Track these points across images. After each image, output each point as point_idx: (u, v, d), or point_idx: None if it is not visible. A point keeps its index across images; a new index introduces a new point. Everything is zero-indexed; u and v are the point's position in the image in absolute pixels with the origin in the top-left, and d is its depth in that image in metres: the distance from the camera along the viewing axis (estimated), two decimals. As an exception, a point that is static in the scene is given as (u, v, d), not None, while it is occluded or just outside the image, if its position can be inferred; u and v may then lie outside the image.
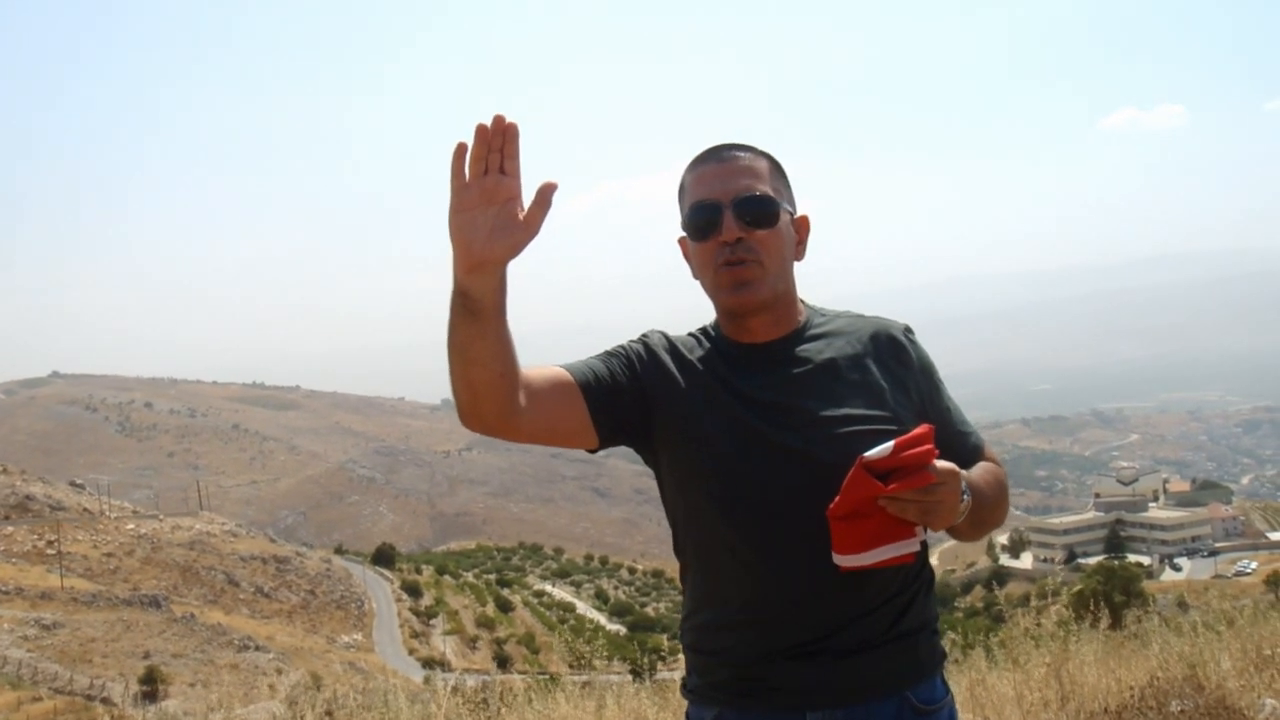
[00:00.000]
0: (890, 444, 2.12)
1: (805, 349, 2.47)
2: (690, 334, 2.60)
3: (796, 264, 2.53)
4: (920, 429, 2.16)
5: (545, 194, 2.06)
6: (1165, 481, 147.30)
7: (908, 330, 2.57)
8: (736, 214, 2.38)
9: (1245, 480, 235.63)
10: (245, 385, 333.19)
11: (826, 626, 2.32)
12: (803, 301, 2.57)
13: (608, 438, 2.45)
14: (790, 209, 2.50)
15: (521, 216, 2.05)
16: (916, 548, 2.24)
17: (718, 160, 2.46)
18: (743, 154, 2.47)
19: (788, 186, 2.54)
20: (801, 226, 2.53)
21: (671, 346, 2.53)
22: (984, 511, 2.39)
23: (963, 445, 2.51)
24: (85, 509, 77.08)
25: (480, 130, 1.99)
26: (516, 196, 2.05)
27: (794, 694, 2.36)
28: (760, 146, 2.52)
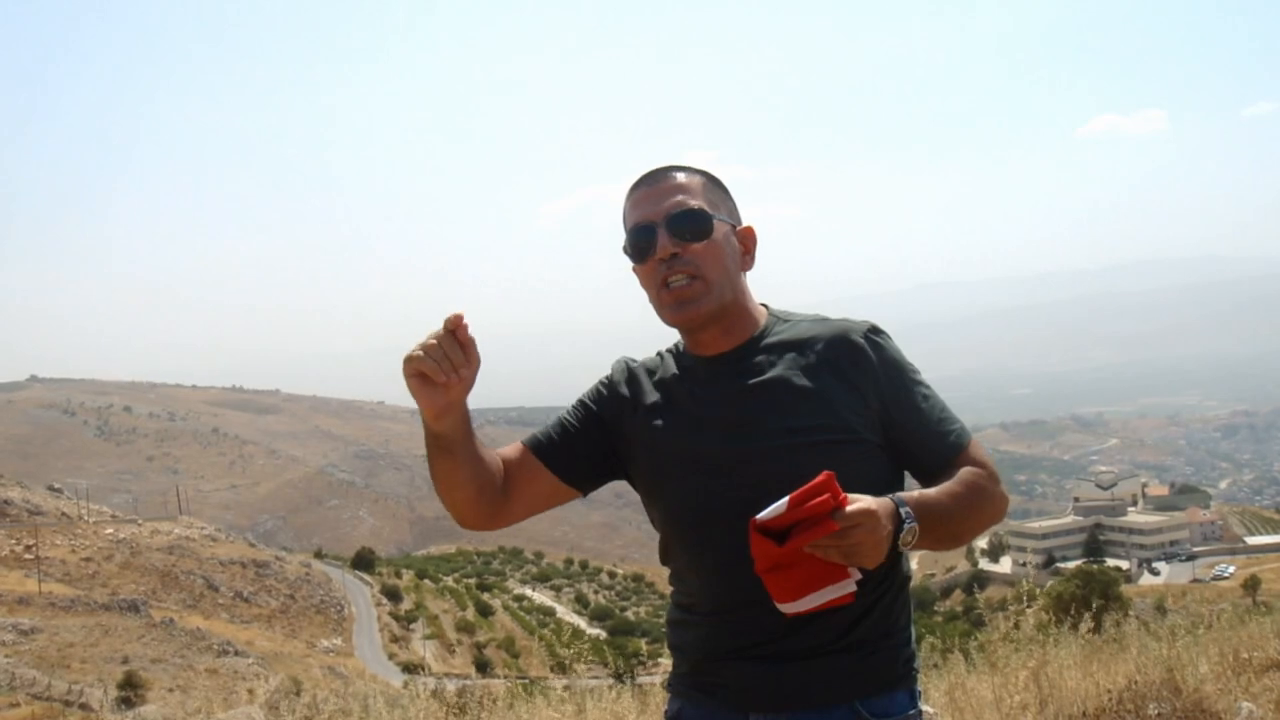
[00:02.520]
0: (784, 501, 2.10)
1: (757, 359, 2.49)
2: (658, 352, 2.73)
3: (749, 274, 2.58)
4: (820, 478, 2.11)
5: (464, 333, 2.26)
6: (1144, 486, 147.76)
7: (872, 331, 2.52)
8: (670, 230, 2.45)
9: (1223, 485, 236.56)
10: (225, 389, 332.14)
11: (774, 630, 2.34)
12: (766, 307, 2.62)
13: (588, 485, 2.68)
14: (730, 220, 2.55)
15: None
16: (853, 588, 2.20)
17: (650, 184, 2.53)
18: (676, 174, 2.54)
19: (727, 200, 2.58)
20: (746, 237, 2.58)
21: (630, 374, 2.67)
22: (948, 526, 2.36)
23: (938, 445, 2.47)
24: (63, 513, 76.72)
25: (442, 339, 2.25)
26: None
27: (738, 693, 2.43)
28: (695, 165, 2.57)
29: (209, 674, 42.37)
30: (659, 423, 2.55)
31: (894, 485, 2.43)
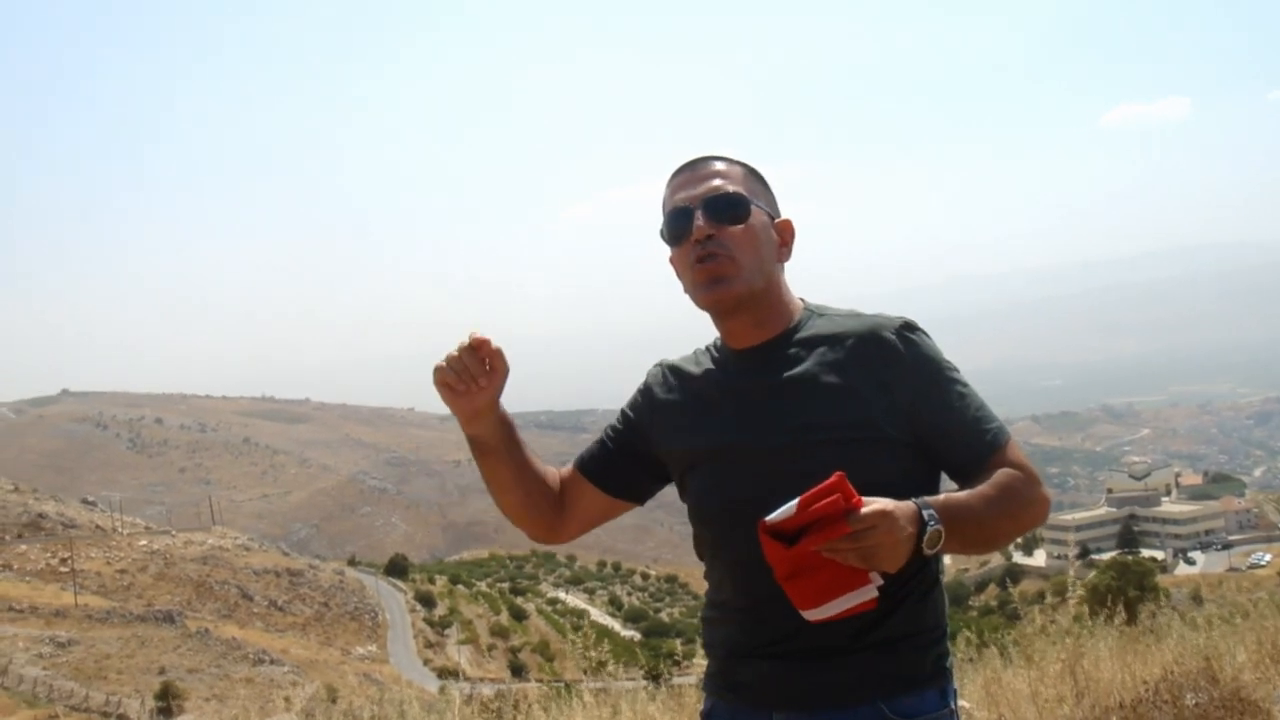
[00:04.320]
0: (793, 503, 2.05)
1: (788, 353, 2.47)
2: (695, 350, 2.70)
3: (786, 266, 2.57)
4: (831, 479, 2.05)
5: (488, 347, 2.42)
6: (1177, 475, 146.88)
7: (905, 327, 2.45)
8: (706, 212, 2.45)
9: (1258, 472, 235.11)
10: (255, 399, 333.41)
11: (795, 628, 2.29)
12: (803, 301, 2.58)
13: (639, 495, 2.76)
14: (768, 210, 2.54)
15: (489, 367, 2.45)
16: (874, 594, 2.15)
17: (689, 170, 2.54)
18: (716, 163, 2.54)
19: (767, 192, 2.58)
20: (784, 229, 2.56)
21: (664, 377, 2.68)
22: (979, 530, 2.29)
23: (972, 445, 2.39)
24: (98, 526, 77.25)
25: (463, 352, 2.42)
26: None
27: (760, 692, 2.43)
28: (736, 156, 2.58)
29: (245, 683, 42.58)
30: (686, 416, 2.57)
31: (926, 486, 2.36)
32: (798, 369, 2.43)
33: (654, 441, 2.65)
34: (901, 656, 2.36)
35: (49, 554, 64.28)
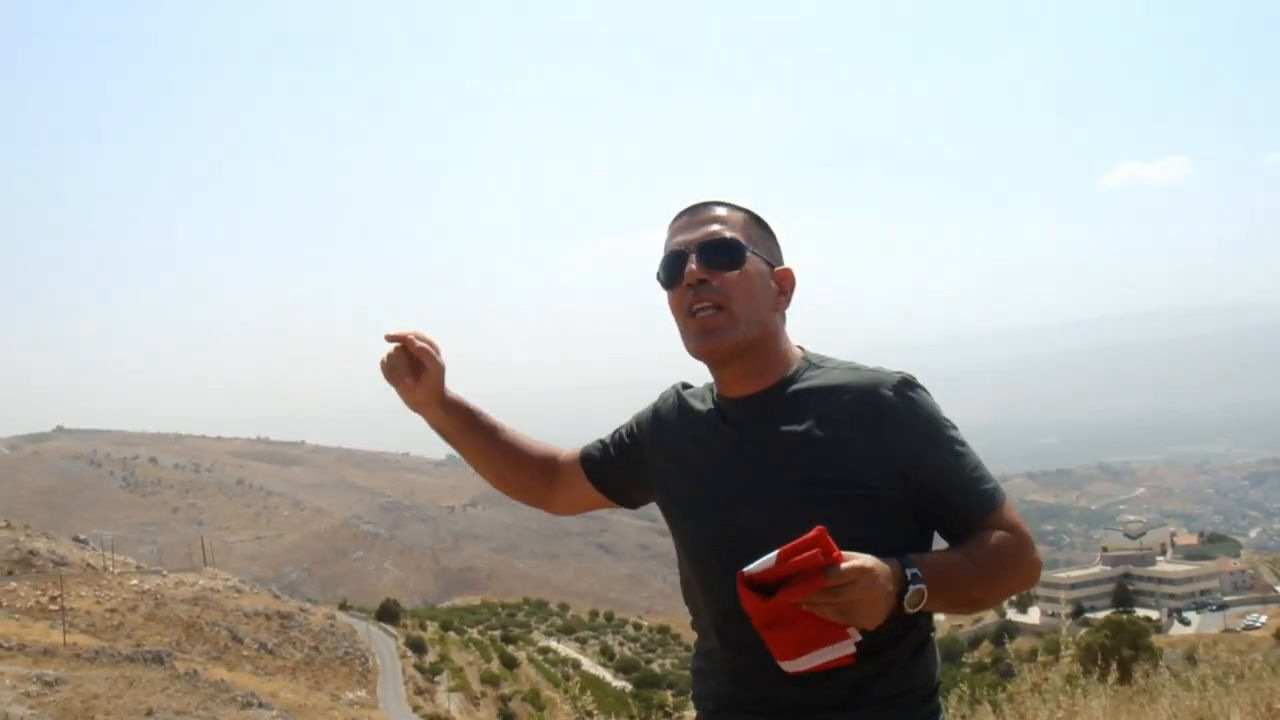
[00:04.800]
0: (773, 555, 2.06)
1: (781, 406, 2.44)
2: (706, 384, 2.67)
3: (780, 316, 2.54)
4: (812, 532, 2.06)
5: (411, 344, 2.69)
6: (1173, 535, 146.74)
7: (904, 383, 2.41)
8: (701, 257, 2.44)
9: (1253, 533, 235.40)
10: (250, 440, 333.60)
11: (782, 684, 2.27)
12: (802, 350, 2.56)
13: (627, 501, 2.85)
14: (766, 258, 2.52)
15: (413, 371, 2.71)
16: (851, 649, 2.15)
17: (690, 215, 2.55)
18: (717, 208, 2.54)
19: (769, 239, 2.57)
20: (784, 279, 2.54)
21: (676, 403, 2.68)
22: (965, 591, 2.29)
23: (966, 506, 2.37)
24: (89, 564, 76.88)
25: (392, 351, 2.70)
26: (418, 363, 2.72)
27: None
28: (740, 203, 2.58)
29: (233, 726, 42.25)
30: (676, 460, 2.58)
31: (916, 545, 2.35)
32: (790, 423, 2.40)
33: (648, 468, 2.68)
34: (890, 714, 2.32)
35: (39, 591, 63.94)
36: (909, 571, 2.17)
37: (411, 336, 2.68)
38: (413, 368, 2.70)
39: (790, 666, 2.16)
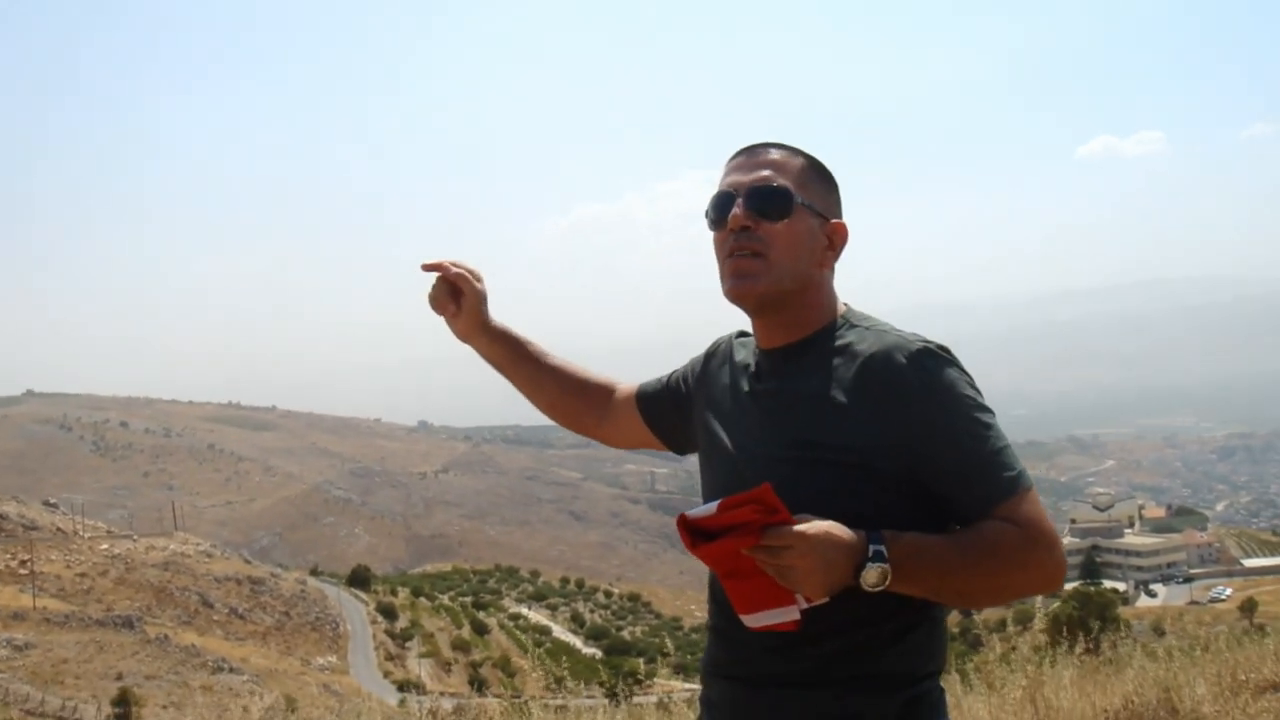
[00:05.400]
0: (714, 504, 2.01)
1: (803, 363, 2.33)
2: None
3: (827, 271, 2.41)
4: (757, 489, 1.98)
5: (450, 271, 2.75)
6: (1141, 508, 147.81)
7: (924, 352, 2.22)
8: (747, 203, 2.33)
9: (1220, 506, 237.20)
10: (221, 405, 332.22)
11: (757, 650, 2.22)
12: (846, 306, 2.44)
13: (674, 444, 2.78)
14: (819, 209, 2.38)
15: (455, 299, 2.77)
16: (795, 616, 2.06)
17: (747, 155, 2.43)
18: (775, 151, 2.41)
19: (826, 189, 2.43)
20: (836, 232, 2.40)
21: (727, 350, 2.60)
22: (947, 580, 2.10)
23: (976, 490, 2.16)
24: (59, 529, 76.65)
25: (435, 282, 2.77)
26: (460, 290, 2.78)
27: (722, 715, 2.36)
28: (803, 148, 2.44)
29: (203, 691, 42.19)
30: (711, 406, 2.53)
31: (920, 526, 2.14)
32: (806, 381, 2.30)
33: (694, 410, 2.63)
34: (861, 698, 2.18)
35: (8, 555, 63.71)
36: (873, 548, 2.03)
37: (448, 264, 2.73)
38: (454, 296, 2.75)
39: (746, 621, 2.11)
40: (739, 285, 2.34)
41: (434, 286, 2.73)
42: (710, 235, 2.46)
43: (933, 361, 2.22)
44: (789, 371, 2.35)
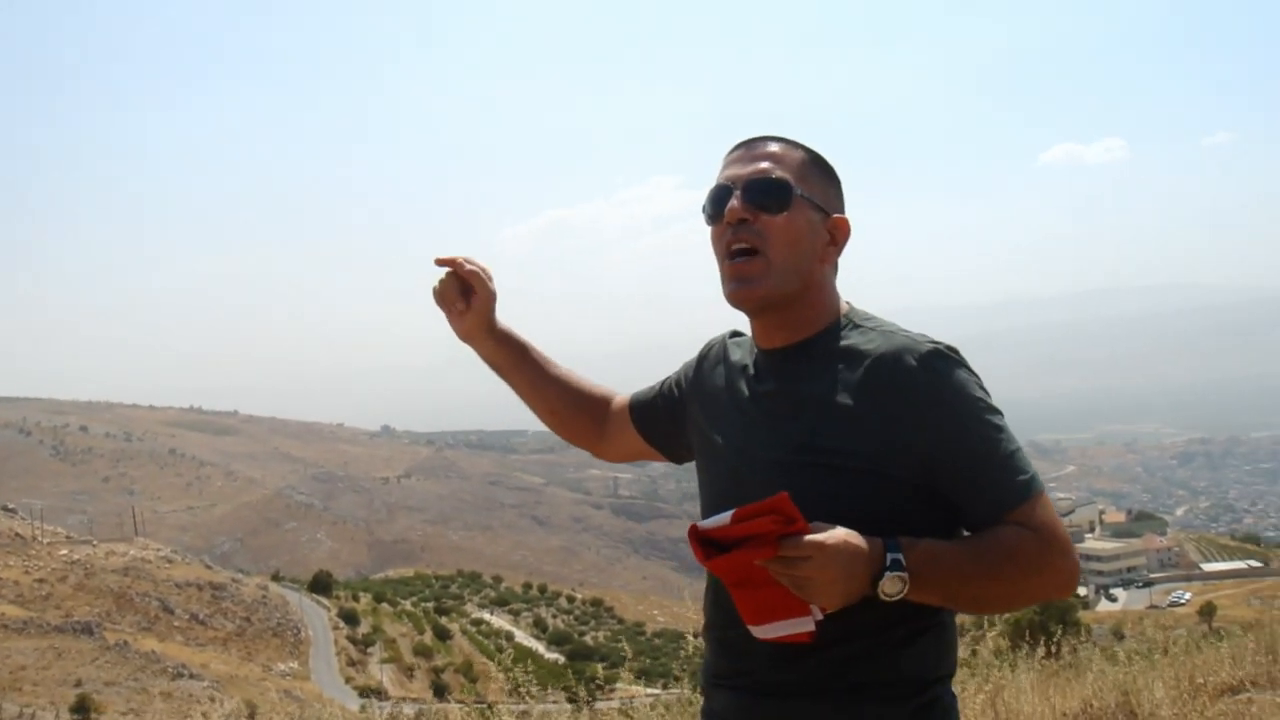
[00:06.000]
0: (727, 514, 1.92)
1: (807, 365, 2.26)
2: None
3: (829, 267, 2.34)
4: (774, 498, 1.90)
5: (463, 268, 2.66)
6: (1101, 513, 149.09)
7: (934, 354, 2.17)
8: (745, 195, 2.26)
9: (1180, 512, 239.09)
10: (183, 409, 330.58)
11: (762, 658, 2.15)
12: (848, 305, 2.37)
13: (670, 453, 2.70)
14: (819, 203, 2.30)
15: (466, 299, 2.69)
16: (810, 627, 1.98)
17: (745, 148, 2.36)
18: (775, 144, 2.34)
19: (827, 183, 2.35)
20: (837, 228, 2.33)
21: (721, 351, 2.52)
22: (962, 587, 2.05)
23: (989, 495, 2.11)
24: (17, 534, 75.99)
25: (445, 277, 2.68)
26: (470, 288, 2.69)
27: None
28: (803, 142, 2.37)
29: (163, 697, 41.99)
30: (707, 408, 2.45)
31: (929, 533, 2.09)
32: (811, 383, 2.23)
33: (688, 414, 2.55)
34: (871, 706, 2.12)
35: (-34, 561, 63.22)
36: (890, 556, 1.98)
37: (462, 260, 2.65)
38: (464, 293, 2.68)
39: (757, 632, 2.03)
40: (740, 289, 2.26)
41: (442, 281, 2.67)
42: (708, 231, 2.38)
43: (943, 363, 2.17)
44: (792, 373, 2.28)
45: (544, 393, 2.77)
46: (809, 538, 1.91)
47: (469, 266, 2.64)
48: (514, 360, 2.75)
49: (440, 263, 2.65)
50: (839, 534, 1.94)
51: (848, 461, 2.12)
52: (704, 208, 2.37)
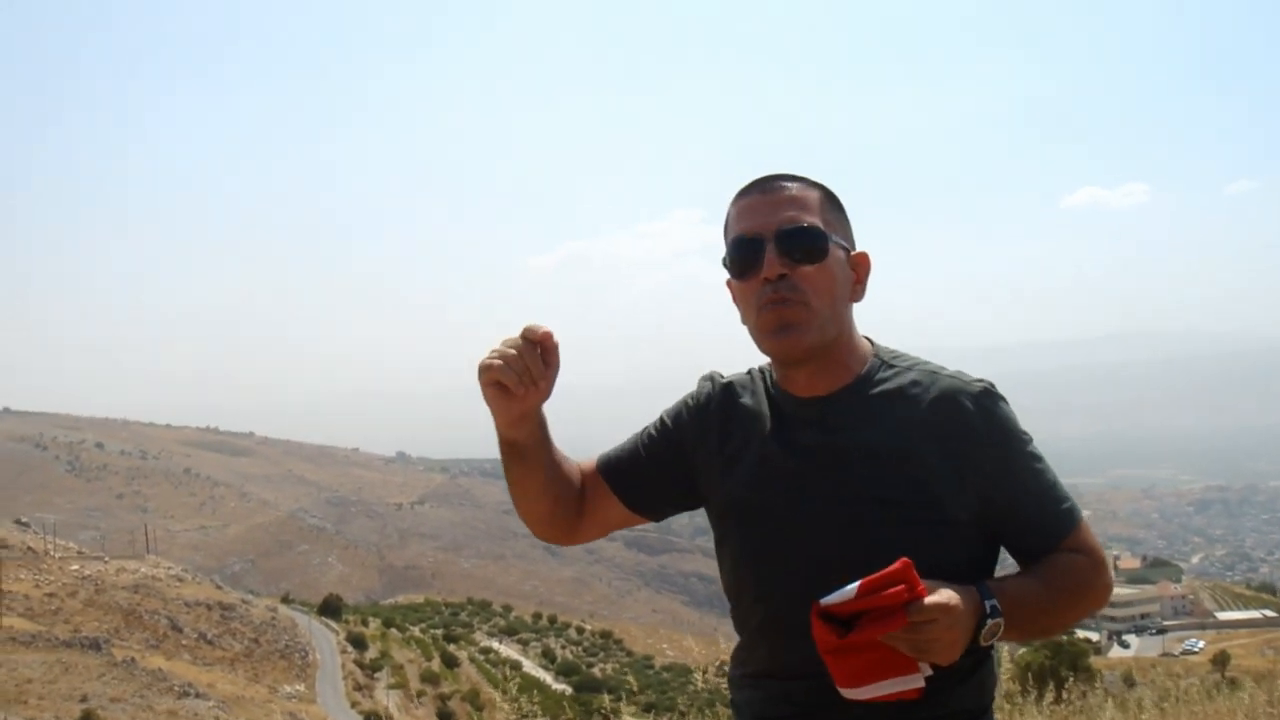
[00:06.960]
0: (853, 586, 1.88)
1: (851, 411, 2.20)
2: (748, 372, 2.43)
3: (855, 306, 2.29)
4: (896, 565, 1.88)
5: (547, 343, 2.17)
6: (1116, 558, 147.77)
7: (985, 394, 2.18)
8: (779, 248, 2.16)
9: (1195, 559, 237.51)
10: (199, 429, 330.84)
11: (817, 703, 2.12)
12: (871, 343, 2.33)
13: (659, 513, 2.49)
14: (845, 244, 2.26)
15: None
16: (920, 683, 1.96)
17: (762, 191, 2.25)
18: (791, 184, 2.25)
19: (844, 221, 2.30)
20: (860, 264, 2.28)
21: (723, 396, 2.40)
22: (1040, 621, 2.12)
23: (1044, 527, 2.17)
24: (29, 548, 76.13)
25: (524, 350, 2.14)
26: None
27: None
28: (813, 178, 2.30)
29: (168, 715, 41.98)
30: (729, 459, 2.32)
31: (983, 567, 2.17)
32: (863, 432, 2.17)
33: (695, 468, 2.39)
34: None
35: (-23, 574, 63.31)
36: (989, 604, 2.00)
37: (551, 331, 2.18)
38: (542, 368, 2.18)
39: (851, 694, 1.97)
40: (785, 337, 2.18)
41: (520, 351, 2.14)
42: (728, 281, 2.29)
43: (992, 402, 2.19)
44: (838, 423, 2.21)
45: (554, 486, 2.37)
46: (931, 600, 1.88)
47: (554, 342, 2.19)
48: (544, 442, 2.31)
49: (534, 338, 2.16)
50: (950, 592, 1.93)
51: (920, 512, 2.11)
52: (727, 262, 2.28)
